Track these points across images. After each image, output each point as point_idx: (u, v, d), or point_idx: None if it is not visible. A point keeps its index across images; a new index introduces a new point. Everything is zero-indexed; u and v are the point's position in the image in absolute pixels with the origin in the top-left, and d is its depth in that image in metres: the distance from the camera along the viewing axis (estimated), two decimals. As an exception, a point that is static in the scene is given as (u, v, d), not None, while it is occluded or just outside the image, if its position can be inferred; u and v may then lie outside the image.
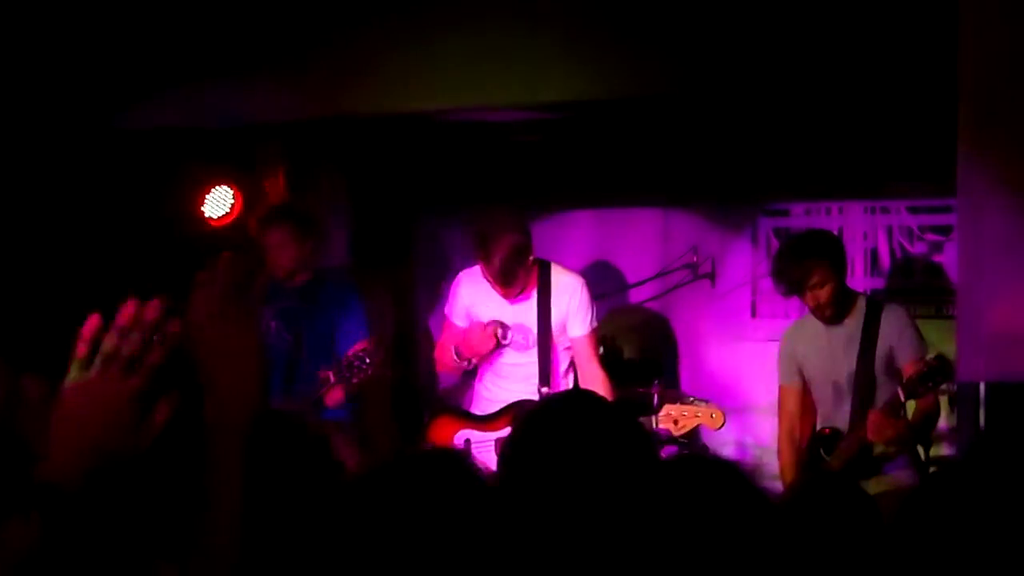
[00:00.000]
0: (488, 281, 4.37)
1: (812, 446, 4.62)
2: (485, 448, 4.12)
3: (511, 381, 4.47)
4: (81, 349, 1.47)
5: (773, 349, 4.81)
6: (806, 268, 4.58)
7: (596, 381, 4.44)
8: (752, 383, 5.39)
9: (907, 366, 4.42)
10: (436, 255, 6.05)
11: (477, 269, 4.55)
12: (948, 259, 5.09)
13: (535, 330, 4.49)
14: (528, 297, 4.46)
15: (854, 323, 4.62)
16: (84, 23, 4.94)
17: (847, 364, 4.59)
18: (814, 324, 4.71)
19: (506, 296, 4.36)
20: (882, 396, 4.41)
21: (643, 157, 5.61)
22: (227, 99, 4.92)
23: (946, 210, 5.00)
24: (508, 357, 4.47)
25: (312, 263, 4.75)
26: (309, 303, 4.73)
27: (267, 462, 1.79)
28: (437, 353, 4.80)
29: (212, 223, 5.12)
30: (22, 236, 4.43)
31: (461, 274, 4.75)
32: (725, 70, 4.51)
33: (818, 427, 4.68)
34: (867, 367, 4.53)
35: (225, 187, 5.15)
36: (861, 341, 4.59)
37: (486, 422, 4.34)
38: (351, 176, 5.86)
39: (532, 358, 4.50)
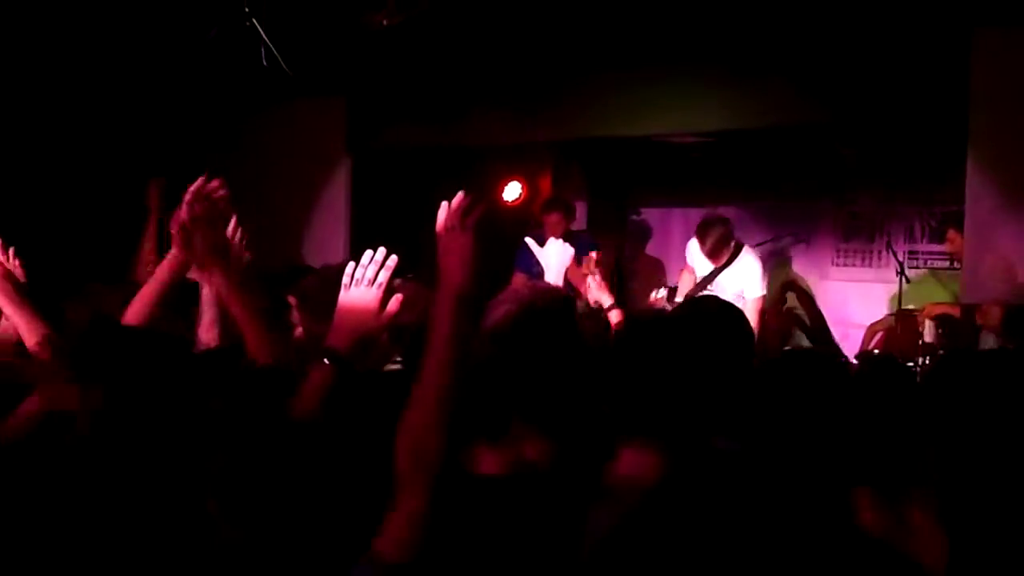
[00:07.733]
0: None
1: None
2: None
3: None
4: (347, 284, 2.15)
5: (847, 285, 6.48)
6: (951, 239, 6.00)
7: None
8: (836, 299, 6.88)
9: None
10: (640, 225, 7.82)
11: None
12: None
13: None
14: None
15: None
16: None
17: None
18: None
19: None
20: None
21: (766, 166, 7.06)
22: (517, 127, 6.27)
23: (956, 203, 5.72)
24: None
25: (568, 229, 6.26)
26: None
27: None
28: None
29: (508, 204, 6.82)
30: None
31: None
32: (819, 111, 5.58)
33: None
34: None
35: (516, 182, 6.90)
36: None
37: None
38: (589, 174, 7.50)
39: None
